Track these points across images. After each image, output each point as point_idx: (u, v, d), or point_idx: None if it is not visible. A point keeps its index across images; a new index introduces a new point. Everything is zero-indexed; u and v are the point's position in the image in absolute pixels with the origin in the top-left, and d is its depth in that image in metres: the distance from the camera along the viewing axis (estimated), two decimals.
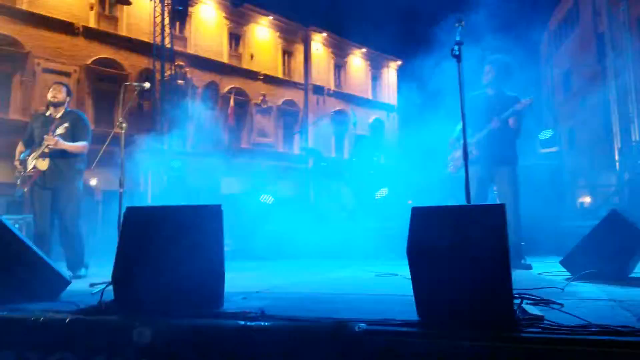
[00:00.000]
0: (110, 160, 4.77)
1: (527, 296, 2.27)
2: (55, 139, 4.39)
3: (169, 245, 2.33)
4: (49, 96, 4.64)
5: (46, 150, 4.43)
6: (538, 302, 2.25)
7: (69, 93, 4.75)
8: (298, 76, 26.66)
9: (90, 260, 4.76)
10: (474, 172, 4.42)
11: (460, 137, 4.68)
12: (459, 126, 4.58)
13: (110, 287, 2.38)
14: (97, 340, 2.09)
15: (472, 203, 3.25)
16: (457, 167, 4.71)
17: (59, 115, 4.62)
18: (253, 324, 1.97)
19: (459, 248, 1.93)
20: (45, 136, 4.43)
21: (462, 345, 1.71)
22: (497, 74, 4.56)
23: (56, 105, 4.65)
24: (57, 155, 4.48)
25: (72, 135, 4.54)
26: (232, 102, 22.14)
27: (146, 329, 2.02)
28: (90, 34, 18.89)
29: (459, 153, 4.68)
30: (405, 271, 2.84)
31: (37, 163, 4.44)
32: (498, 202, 4.46)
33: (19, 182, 4.52)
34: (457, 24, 3.33)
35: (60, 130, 4.43)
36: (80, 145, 4.58)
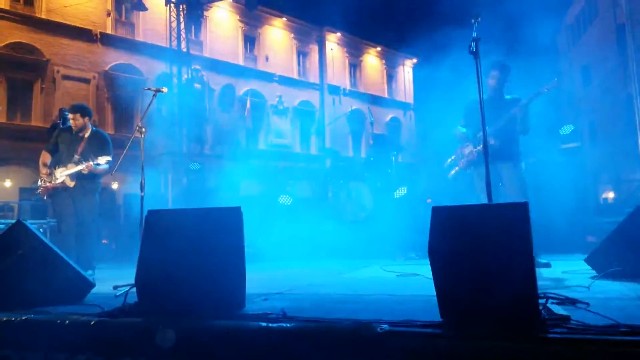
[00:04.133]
0: (131, 164, 4.86)
1: (552, 295, 2.23)
2: (91, 166, 4.62)
3: (191, 248, 2.35)
4: (72, 125, 4.91)
5: (75, 171, 4.67)
6: (563, 301, 2.21)
7: (84, 115, 4.93)
8: (313, 76, 26.67)
9: (113, 262, 4.85)
10: (479, 172, 4.36)
11: (464, 135, 4.69)
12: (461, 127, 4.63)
13: (134, 290, 2.41)
14: (122, 342, 2.12)
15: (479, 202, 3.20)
16: (465, 164, 4.65)
17: (86, 134, 4.90)
18: (275, 325, 1.97)
19: (481, 247, 1.90)
20: (78, 161, 4.68)
21: (485, 346, 1.69)
22: (504, 77, 4.58)
23: (80, 130, 4.91)
24: (84, 177, 4.73)
25: (97, 154, 4.75)
26: (248, 104, 22.26)
27: (170, 330, 2.04)
28: (108, 40, 19.17)
29: (467, 150, 4.63)
30: (426, 271, 2.82)
31: (66, 180, 4.72)
32: (506, 199, 4.36)
33: (41, 189, 4.77)
34: (473, 20, 3.29)
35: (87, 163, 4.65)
36: (104, 168, 4.80)
